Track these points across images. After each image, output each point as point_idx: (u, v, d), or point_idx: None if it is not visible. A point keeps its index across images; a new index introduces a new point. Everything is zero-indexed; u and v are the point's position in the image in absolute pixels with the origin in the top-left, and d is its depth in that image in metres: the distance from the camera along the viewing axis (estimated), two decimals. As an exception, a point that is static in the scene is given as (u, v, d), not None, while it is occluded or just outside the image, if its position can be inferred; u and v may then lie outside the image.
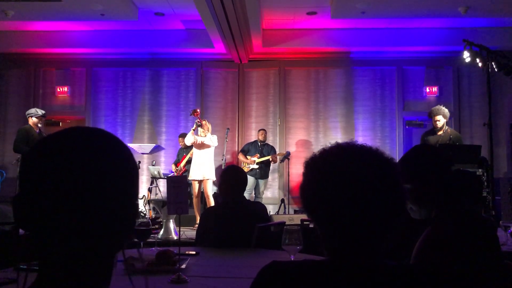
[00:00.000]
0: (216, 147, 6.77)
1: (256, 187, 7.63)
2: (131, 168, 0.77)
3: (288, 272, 0.98)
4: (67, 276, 0.71)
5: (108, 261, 0.76)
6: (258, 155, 7.60)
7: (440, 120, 6.06)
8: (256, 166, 7.53)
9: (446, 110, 6.15)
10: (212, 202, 6.42)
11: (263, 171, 7.61)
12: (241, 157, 7.76)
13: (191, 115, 6.78)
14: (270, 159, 7.62)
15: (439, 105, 6.33)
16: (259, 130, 8.03)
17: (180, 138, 7.87)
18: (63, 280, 0.71)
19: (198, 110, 6.62)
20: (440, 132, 6.12)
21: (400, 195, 1.01)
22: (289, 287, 0.95)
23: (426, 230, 1.69)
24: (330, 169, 1.00)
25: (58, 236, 0.70)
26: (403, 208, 1.03)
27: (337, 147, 1.04)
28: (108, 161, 0.73)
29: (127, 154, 0.77)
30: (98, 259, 0.73)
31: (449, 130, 6.23)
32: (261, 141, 7.82)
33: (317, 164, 1.04)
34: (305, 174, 1.06)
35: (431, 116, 6.16)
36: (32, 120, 6.59)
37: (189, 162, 7.18)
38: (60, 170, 0.70)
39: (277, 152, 7.96)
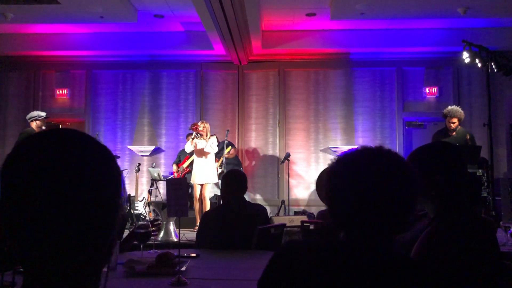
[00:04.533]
0: (215, 148, 6.76)
1: None
2: (112, 170, 0.76)
3: (305, 249, 1.10)
4: (52, 280, 0.70)
5: (95, 266, 0.75)
6: (217, 159, 7.47)
7: (456, 122, 6.02)
8: (220, 170, 7.19)
9: (462, 112, 6.07)
10: (207, 204, 6.42)
11: (231, 167, 7.34)
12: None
13: (189, 129, 6.78)
14: (226, 156, 7.40)
15: (455, 106, 6.25)
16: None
17: (189, 137, 7.75)
18: (48, 284, 0.70)
19: (197, 124, 6.60)
20: (454, 133, 6.08)
21: (415, 197, 1.13)
22: (304, 263, 1.06)
23: (425, 230, 1.70)
24: (357, 171, 1.12)
25: (40, 240, 0.69)
26: (413, 208, 1.14)
27: (364, 151, 1.17)
28: (89, 163, 0.73)
29: (110, 157, 0.77)
30: (83, 262, 0.72)
31: (462, 131, 6.18)
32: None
33: (346, 165, 1.15)
34: (333, 172, 1.16)
35: (446, 117, 6.09)
36: (36, 123, 6.59)
37: (193, 162, 7.16)
38: (39, 174, 0.69)
39: (233, 144, 7.64)
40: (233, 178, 3.25)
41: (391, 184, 1.09)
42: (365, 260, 1.05)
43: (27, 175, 0.69)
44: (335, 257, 1.06)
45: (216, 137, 7.04)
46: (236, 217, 3.07)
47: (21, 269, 1.80)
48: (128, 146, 8.75)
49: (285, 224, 3.60)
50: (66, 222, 0.69)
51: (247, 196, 7.81)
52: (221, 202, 3.37)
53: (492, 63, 5.77)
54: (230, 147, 7.43)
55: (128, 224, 6.56)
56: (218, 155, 7.32)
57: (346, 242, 1.11)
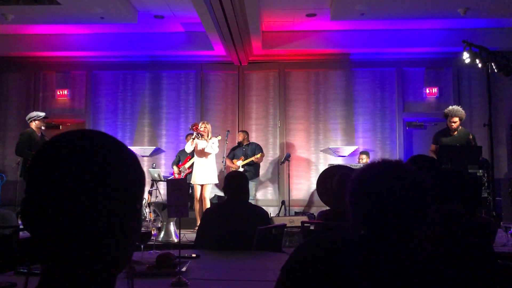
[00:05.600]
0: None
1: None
2: (138, 175, 0.77)
3: (329, 241, 1.22)
4: (70, 281, 0.70)
5: (112, 270, 0.75)
6: (243, 157, 7.52)
7: (457, 122, 6.02)
8: (241, 169, 7.30)
9: (463, 112, 6.08)
10: (208, 205, 6.42)
11: (251, 173, 7.39)
12: (228, 162, 7.49)
13: (190, 129, 6.79)
14: (254, 160, 7.51)
15: (456, 106, 6.25)
16: (238, 132, 7.98)
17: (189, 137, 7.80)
18: (66, 285, 0.70)
19: (198, 124, 6.61)
20: (455, 133, 6.08)
21: (429, 206, 1.27)
22: (328, 253, 1.18)
23: None
24: (380, 180, 1.25)
25: (63, 240, 0.69)
26: (426, 214, 1.29)
27: (385, 163, 1.31)
28: (116, 166, 0.73)
29: (136, 161, 0.77)
30: (103, 264, 0.72)
31: (464, 131, 6.18)
32: (241, 142, 7.68)
33: (370, 174, 1.29)
34: (358, 180, 1.29)
35: (447, 117, 6.09)
36: (35, 124, 6.60)
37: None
38: (66, 174, 0.69)
39: (262, 150, 7.71)
40: (232, 179, 3.25)
41: (408, 191, 1.24)
42: (385, 252, 1.19)
43: (52, 175, 0.69)
44: (357, 249, 1.20)
45: (248, 133, 7.07)
46: (237, 217, 3.07)
47: (22, 270, 1.80)
48: (129, 147, 8.73)
49: (285, 224, 3.59)
50: (88, 224, 0.69)
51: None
52: (224, 201, 3.36)
53: (492, 64, 5.77)
54: (260, 153, 7.55)
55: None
56: (240, 155, 7.43)
57: (367, 236, 1.25)
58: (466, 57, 6.00)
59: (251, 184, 7.52)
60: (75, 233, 0.69)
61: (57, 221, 0.69)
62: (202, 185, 6.50)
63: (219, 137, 6.77)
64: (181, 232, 3.15)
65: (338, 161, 8.34)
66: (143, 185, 0.78)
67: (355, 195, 1.31)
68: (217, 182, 6.69)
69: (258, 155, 7.48)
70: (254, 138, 8.72)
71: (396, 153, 8.43)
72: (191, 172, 7.24)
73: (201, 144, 6.46)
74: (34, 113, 6.72)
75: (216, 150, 6.56)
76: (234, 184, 3.22)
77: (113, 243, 0.72)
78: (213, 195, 7.30)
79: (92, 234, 0.70)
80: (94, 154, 0.72)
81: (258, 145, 7.82)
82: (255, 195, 7.80)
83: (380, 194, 1.25)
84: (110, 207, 0.71)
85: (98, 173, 0.70)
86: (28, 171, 0.72)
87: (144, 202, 7.46)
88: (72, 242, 0.69)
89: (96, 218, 0.70)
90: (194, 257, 2.56)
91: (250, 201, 7.53)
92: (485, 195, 5.60)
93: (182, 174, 7.45)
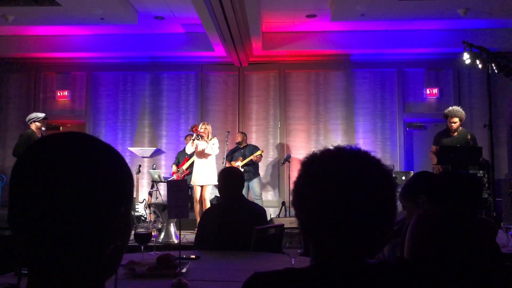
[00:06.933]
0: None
1: (252, 190, 7.58)
2: (126, 176, 0.76)
3: (271, 283, 0.97)
4: (57, 283, 0.70)
5: (101, 272, 0.74)
6: (241, 158, 7.53)
7: (457, 122, 6.02)
8: (241, 169, 7.30)
9: (463, 112, 6.08)
10: (208, 206, 6.42)
11: (251, 173, 7.47)
12: (227, 164, 7.51)
13: (190, 131, 6.80)
14: (253, 159, 7.51)
15: (455, 106, 6.25)
16: (237, 133, 7.99)
17: (188, 138, 7.80)
18: (53, 286, 0.70)
19: (197, 126, 6.61)
20: (455, 134, 6.08)
21: (392, 206, 0.98)
22: None
23: (414, 216, 1.76)
24: (328, 171, 0.98)
25: (47, 243, 0.69)
26: (393, 219, 0.99)
27: (338, 150, 1.04)
28: (100, 168, 0.72)
29: (121, 162, 0.76)
30: (89, 267, 0.72)
31: (464, 131, 6.18)
32: (239, 143, 7.71)
33: (316, 164, 1.02)
34: (303, 171, 1.03)
35: (447, 117, 6.09)
36: (35, 125, 6.59)
37: (193, 164, 7.17)
38: (49, 177, 0.69)
39: (259, 150, 7.67)
40: (226, 176, 3.27)
41: (367, 187, 0.95)
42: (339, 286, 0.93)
43: (35, 178, 0.69)
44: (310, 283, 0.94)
45: (246, 135, 7.05)
46: (236, 214, 3.07)
47: (24, 271, 1.80)
48: (129, 148, 8.76)
49: (283, 224, 3.59)
50: (72, 226, 0.69)
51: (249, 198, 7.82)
52: (221, 200, 3.38)
53: (493, 64, 5.77)
54: (261, 151, 7.57)
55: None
56: (239, 157, 7.43)
57: (313, 267, 0.99)
58: (466, 57, 6.00)
59: (255, 183, 7.56)
60: (60, 236, 0.69)
61: (42, 225, 0.68)
62: (202, 186, 6.50)
63: (215, 138, 6.76)
64: (181, 233, 3.16)
65: (339, 162, 8.33)
66: (129, 186, 0.77)
67: (296, 195, 1.00)
68: (217, 183, 6.67)
69: (258, 152, 7.48)
70: (254, 138, 8.73)
71: (396, 154, 8.42)
72: (188, 174, 7.24)
73: (201, 145, 6.46)
74: (34, 114, 6.72)
75: (217, 151, 6.56)
76: (227, 180, 3.25)
77: (99, 247, 0.72)
78: (213, 196, 7.30)
79: (77, 237, 0.69)
80: (77, 158, 0.71)
81: (256, 146, 7.84)
82: (261, 193, 7.78)
83: (326, 192, 0.95)
84: (94, 211, 0.70)
85: (80, 176, 0.70)
86: (12, 177, 0.72)
87: (144, 203, 7.46)
88: (56, 246, 0.69)
89: (79, 222, 0.69)
90: (194, 258, 2.56)
91: (256, 200, 7.60)
92: (486, 196, 5.60)
93: (180, 176, 7.45)
